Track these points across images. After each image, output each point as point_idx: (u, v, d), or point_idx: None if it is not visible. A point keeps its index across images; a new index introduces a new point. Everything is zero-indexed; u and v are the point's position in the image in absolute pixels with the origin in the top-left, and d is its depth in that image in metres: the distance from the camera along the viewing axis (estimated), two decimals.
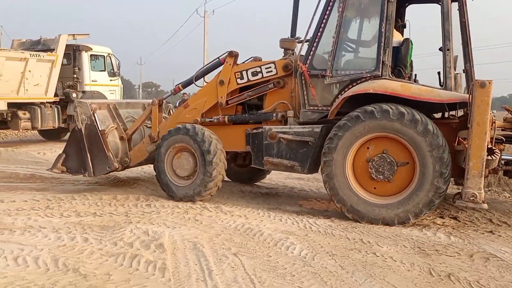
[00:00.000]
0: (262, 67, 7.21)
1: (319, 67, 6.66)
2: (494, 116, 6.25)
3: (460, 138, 6.00)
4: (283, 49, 7.38)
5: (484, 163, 5.77)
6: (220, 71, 7.47)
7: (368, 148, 6.29)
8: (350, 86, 6.49)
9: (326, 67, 6.54)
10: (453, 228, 5.96)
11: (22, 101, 14.42)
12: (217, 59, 7.53)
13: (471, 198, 5.80)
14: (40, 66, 15.11)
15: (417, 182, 6.01)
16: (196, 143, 6.99)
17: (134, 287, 3.83)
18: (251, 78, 7.25)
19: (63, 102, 16.11)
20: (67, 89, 16.39)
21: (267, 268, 4.38)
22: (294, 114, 6.95)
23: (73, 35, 16.82)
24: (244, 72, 7.28)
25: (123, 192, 7.53)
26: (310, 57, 6.70)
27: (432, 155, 5.89)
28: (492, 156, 5.92)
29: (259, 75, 7.20)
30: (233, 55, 7.37)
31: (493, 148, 6.01)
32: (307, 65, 6.68)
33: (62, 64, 16.00)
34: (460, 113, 6.71)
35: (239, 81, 7.32)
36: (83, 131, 7.40)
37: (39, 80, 15.17)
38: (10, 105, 14.51)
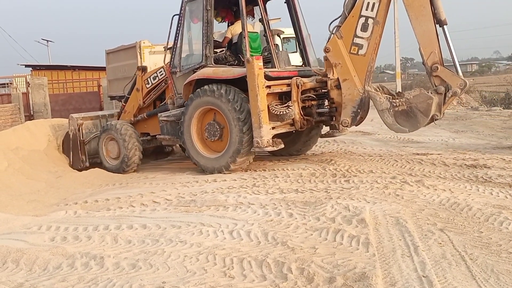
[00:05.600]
0: (157, 72, 9.51)
1: (177, 65, 8.88)
2: (301, 81, 7.87)
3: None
4: None
5: (261, 118, 7.49)
6: (136, 82, 9.90)
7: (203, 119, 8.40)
8: None
9: (177, 64, 8.83)
10: None
11: None
12: (135, 75, 9.93)
13: (256, 145, 7.59)
14: None
15: (229, 138, 7.94)
16: (117, 133, 9.53)
17: (339, 260, 3.89)
18: (153, 82, 9.59)
19: None
20: None
21: (478, 245, 4.09)
22: (173, 102, 9.07)
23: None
24: (149, 79, 9.64)
25: (321, 169, 7.71)
26: (172, 59, 8.99)
27: (232, 116, 7.83)
28: (285, 110, 7.66)
29: (157, 78, 9.51)
30: (140, 69, 9.88)
31: (289, 105, 7.79)
32: (171, 66, 8.99)
33: None
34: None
35: (147, 86, 9.70)
36: (71, 136, 10.21)
37: None
38: None
